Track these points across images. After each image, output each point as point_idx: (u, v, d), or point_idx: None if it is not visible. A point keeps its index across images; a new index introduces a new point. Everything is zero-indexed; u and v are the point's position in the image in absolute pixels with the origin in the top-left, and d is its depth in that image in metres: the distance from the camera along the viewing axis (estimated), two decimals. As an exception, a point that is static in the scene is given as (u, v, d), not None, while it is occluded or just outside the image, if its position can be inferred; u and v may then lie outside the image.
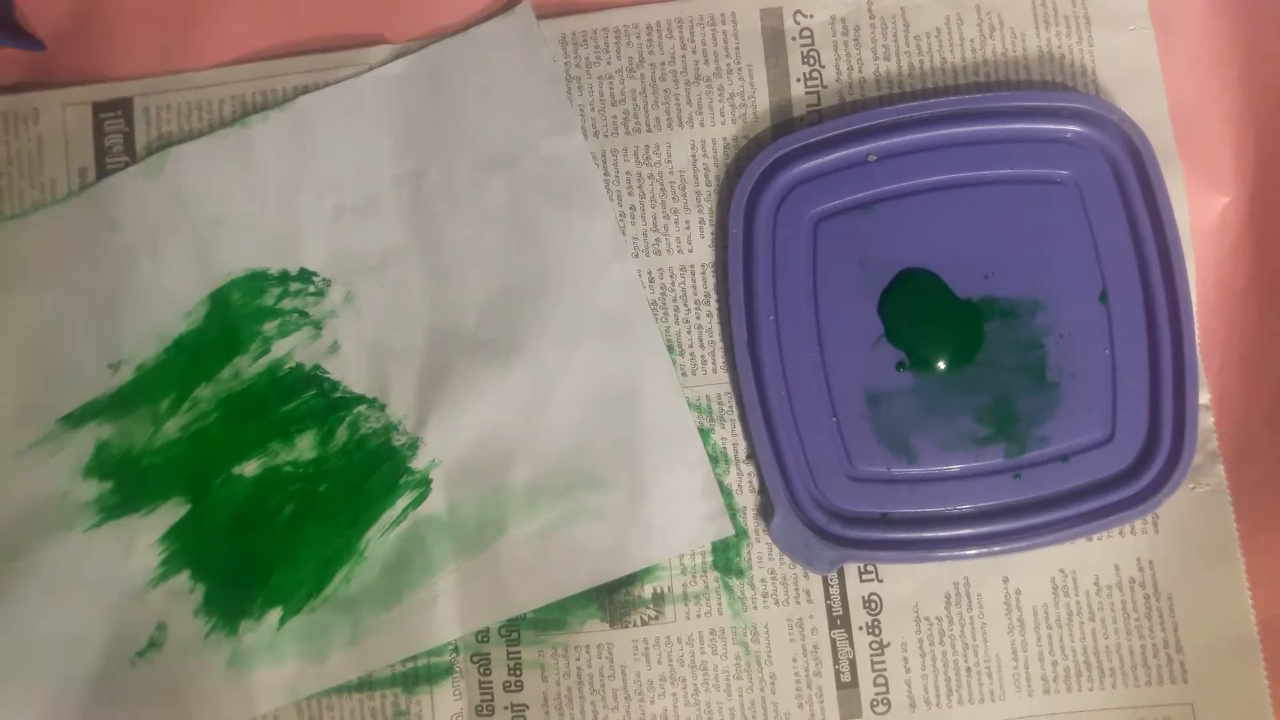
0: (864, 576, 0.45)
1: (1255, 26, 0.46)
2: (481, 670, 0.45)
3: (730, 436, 0.45)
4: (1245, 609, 0.44)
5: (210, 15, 0.47)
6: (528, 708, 0.45)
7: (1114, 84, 0.46)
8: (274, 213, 0.46)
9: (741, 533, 0.45)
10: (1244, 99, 0.46)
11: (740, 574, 0.45)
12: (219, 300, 0.46)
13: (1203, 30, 0.46)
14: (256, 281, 0.46)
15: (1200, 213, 0.46)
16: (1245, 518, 0.44)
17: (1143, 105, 0.46)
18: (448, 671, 0.45)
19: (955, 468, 0.45)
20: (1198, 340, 0.45)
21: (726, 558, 0.45)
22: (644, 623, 0.45)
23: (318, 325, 0.46)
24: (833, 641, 0.45)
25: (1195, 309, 0.45)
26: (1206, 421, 0.45)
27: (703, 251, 0.46)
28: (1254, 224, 0.45)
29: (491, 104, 0.46)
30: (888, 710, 0.44)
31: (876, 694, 0.44)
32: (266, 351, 0.45)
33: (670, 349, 0.46)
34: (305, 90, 0.47)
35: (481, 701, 0.45)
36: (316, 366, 0.45)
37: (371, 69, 0.46)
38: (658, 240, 0.46)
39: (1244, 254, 0.46)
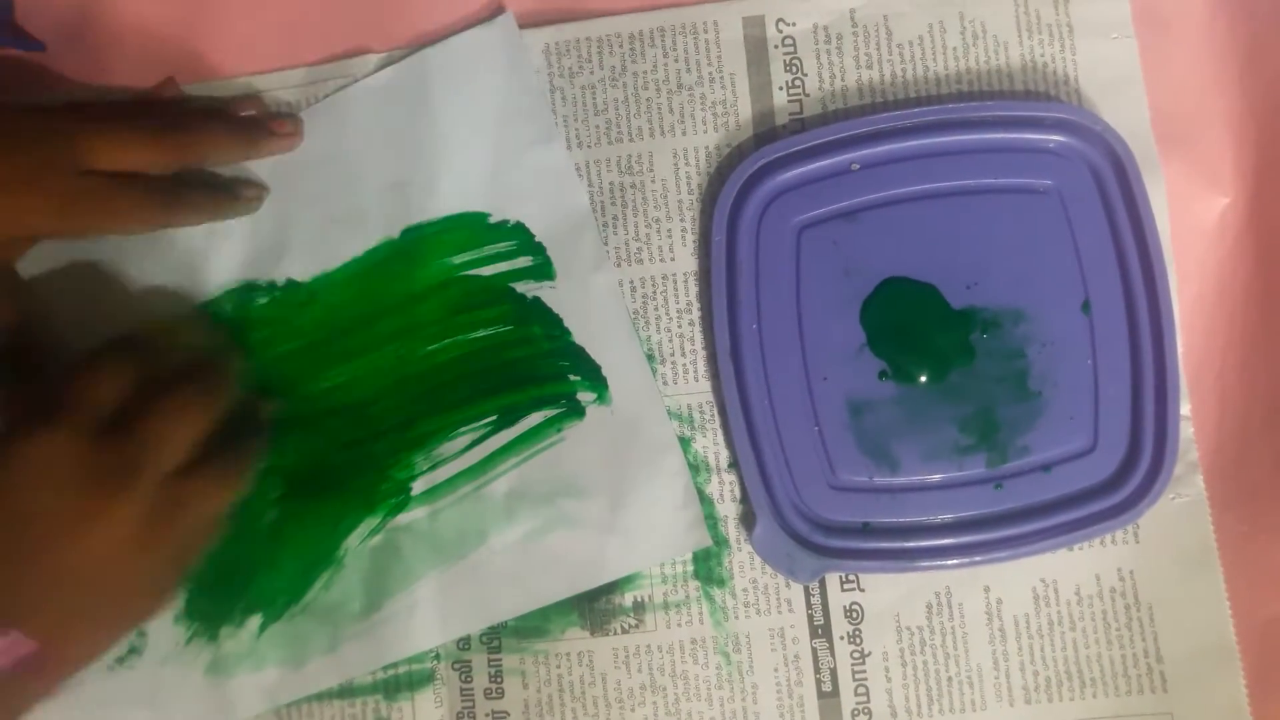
0: (845, 586, 0.45)
1: (1255, 28, 0.46)
2: (463, 677, 0.45)
3: (712, 445, 0.45)
4: (1224, 618, 0.44)
5: (205, 29, 0.47)
6: (509, 715, 0.45)
7: (1096, 93, 0.46)
8: (264, 225, 0.46)
9: (723, 542, 0.45)
10: (1243, 100, 0.46)
11: (722, 583, 0.45)
12: (213, 310, 0.46)
13: (1202, 31, 0.46)
14: (248, 292, 0.46)
15: (1200, 214, 0.46)
16: (1237, 523, 0.44)
17: (1125, 114, 0.45)
18: (429, 678, 0.45)
19: (937, 477, 0.45)
20: (1193, 344, 0.45)
21: (708, 567, 0.45)
22: (624, 631, 0.45)
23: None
24: (814, 651, 0.45)
25: (1179, 316, 0.44)
26: (1186, 432, 0.44)
27: (685, 260, 0.46)
28: (1254, 225, 0.45)
29: (475, 114, 0.46)
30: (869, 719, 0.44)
31: (858, 703, 0.44)
32: (252, 358, 0.46)
33: (652, 358, 0.46)
34: (295, 103, 0.47)
35: (463, 708, 0.45)
36: (301, 374, 0.46)
37: (358, 80, 0.46)
38: (640, 249, 0.46)
39: (1244, 255, 0.45)
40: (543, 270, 0.46)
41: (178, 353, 0.42)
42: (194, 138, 0.43)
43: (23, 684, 0.36)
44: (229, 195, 0.45)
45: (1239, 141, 0.46)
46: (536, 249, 0.46)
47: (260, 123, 0.45)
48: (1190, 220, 0.46)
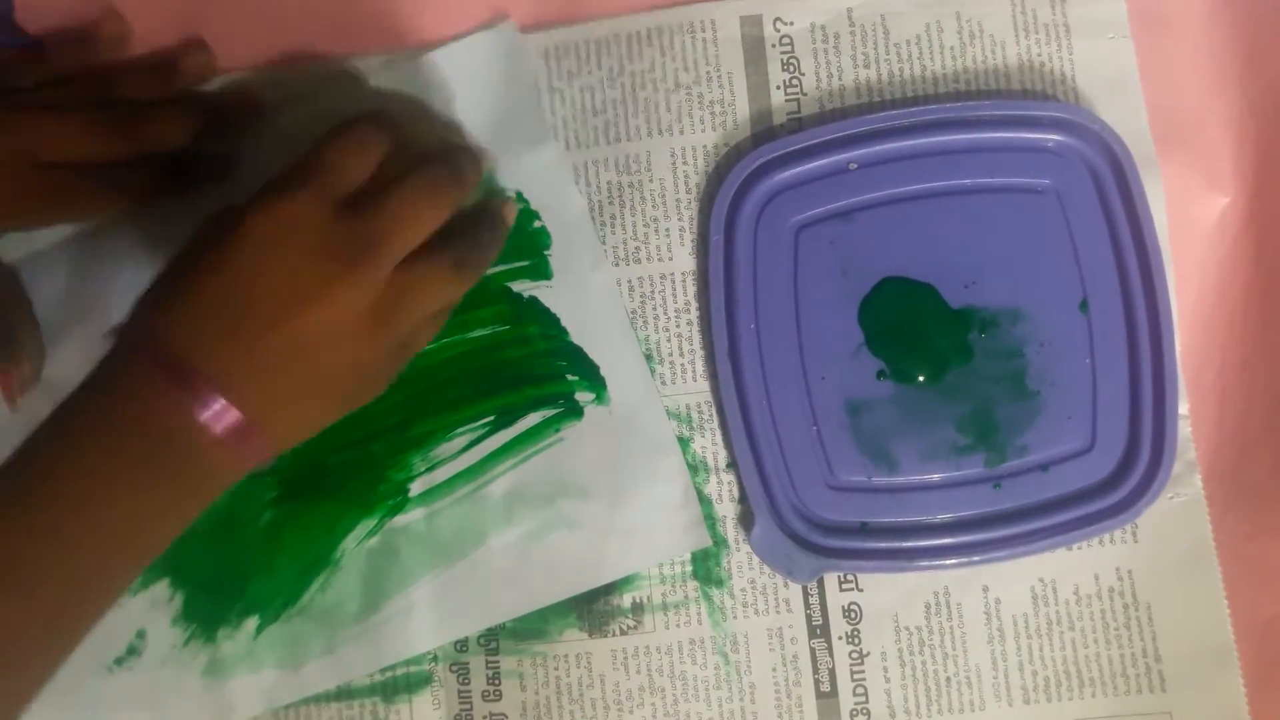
0: (844, 586, 0.45)
1: (1255, 27, 0.46)
2: (460, 679, 0.45)
3: (710, 445, 0.45)
4: (1222, 617, 0.44)
5: (204, 27, 0.47)
6: (506, 716, 0.44)
7: (1093, 92, 0.46)
8: None
9: (721, 542, 0.45)
10: (1244, 100, 0.46)
11: (720, 583, 0.45)
12: None
13: (1202, 31, 0.46)
14: None
15: (1200, 214, 0.45)
16: (1238, 523, 0.44)
17: (1122, 113, 0.45)
18: (427, 680, 0.45)
19: (935, 477, 0.45)
20: (1193, 343, 0.45)
21: (706, 567, 0.45)
22: (623, 632, 0.45)
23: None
24: (812, 651, 0.45)
25: (1179, 316, 0.45)
26: (1185, 431, 0.44)
27: (683, 260, 0.46)
28: (1254, 224, 0.45)
29: (473, 118, 0.46)
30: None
31: (856, 704, 0.44)
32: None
33: (650, 358, 0.46)
34: (292, 101, 0.46)
35: (460, 710, 0.45)
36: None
37: (357, 81, 0.46)
38: (638, 249, 0.46)
39: (1244, 254, 0.45)
40: (539, 270, 0.46)
41: (427, 137, 0.41)
42: (150, 125, 0.43)
43: (233, 451, 0.35)
44: (192, 171, 0.45)
45: (1239, 141, 0.46)
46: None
47: (216, 101, 0.45)
48: (1190, 220, 0.46)
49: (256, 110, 0.46)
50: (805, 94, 0.46)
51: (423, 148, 0.40)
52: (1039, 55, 0.46)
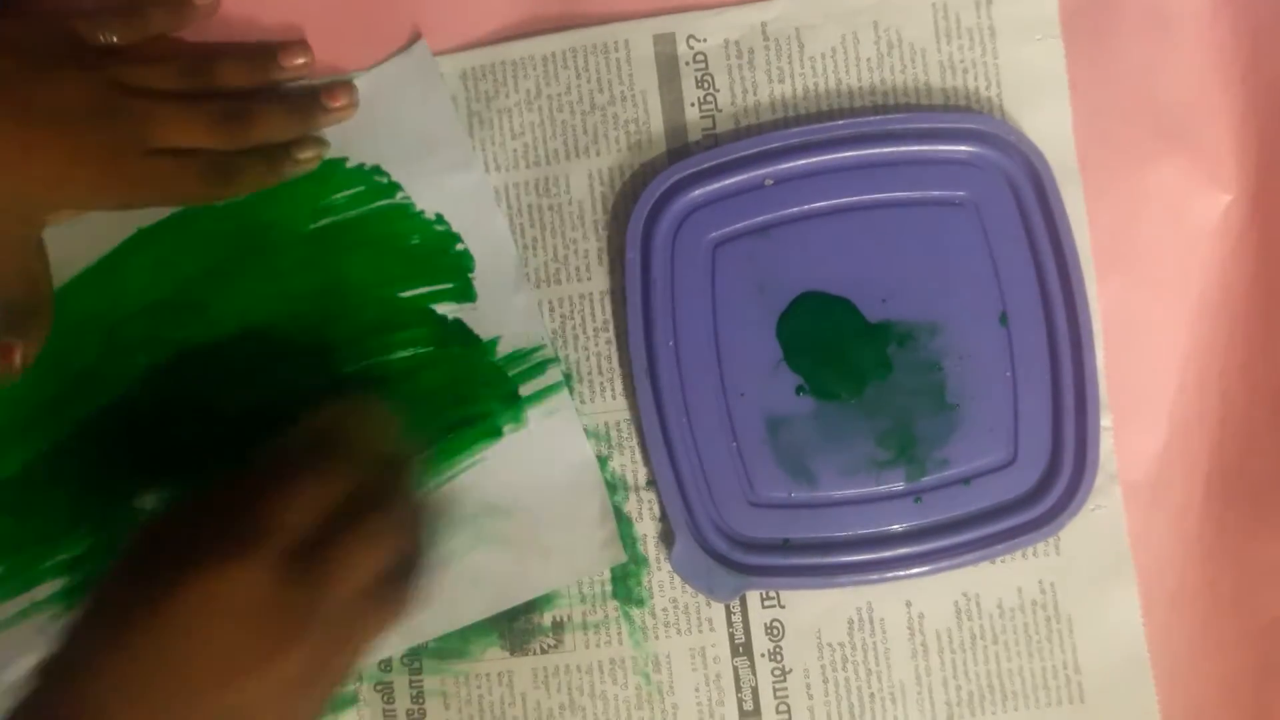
0: (766, 603, 0.45)
1: (1258, 21, 0.45)
2: (385, 699, 0.45)
3: (630, 463, 0.46)
4: (1137, 628, 0.43)
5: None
6: (431, 736, 0.45)
7: (1019, 96, 0.45)
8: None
9: (641, 561, 0.45)
10: (1247, 96, 0.45)
11: (641, 603, 0.45)
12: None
13: (1205, 28, 0.45)
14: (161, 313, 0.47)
15: (1203, 211, 0.45)
16: (1240, 522, 0.44)
17: (1049, 118, 0.45)
18: (351, 700, 0.45)
19: (856, 492, 0.44)
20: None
21: (627, 586, 0.45)
22: (544, 651, 0.45)
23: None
24: (735, 669, 0.45)
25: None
26: (1107, 443, 0.44)
27: (601, 279, 0.46)
28: (1257, 222, 0.45)
29: (394, 144, 0.46)
30: (792, 737, 0.44)
31: (780, 721, 0.44)
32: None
33: (569, 376, 0.46)
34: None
35: (387, 730, 0.45)
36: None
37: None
38: (557, 270, 0.46)
39: (1247, 253, 0.45)
40: (464, 292, 0.46)
41: (365, 459, 0.38)
42: (255, 121, 0.44)
43: None
44: (287, 160, 0.45)
45: (1242, 138, 0.45)
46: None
47: (316, 97, 0.45)
48: (1193, 218, 0.45)
49: (353, 109, 0.46)
50: (720, 110, 0.46)
51: (365, 479, 0.37)
52: (962, 61, 0.46)
